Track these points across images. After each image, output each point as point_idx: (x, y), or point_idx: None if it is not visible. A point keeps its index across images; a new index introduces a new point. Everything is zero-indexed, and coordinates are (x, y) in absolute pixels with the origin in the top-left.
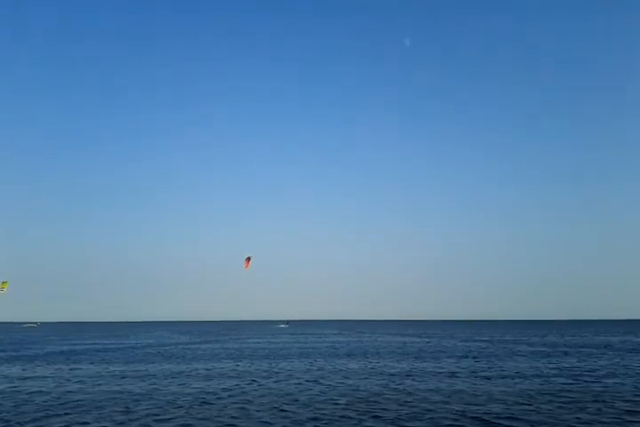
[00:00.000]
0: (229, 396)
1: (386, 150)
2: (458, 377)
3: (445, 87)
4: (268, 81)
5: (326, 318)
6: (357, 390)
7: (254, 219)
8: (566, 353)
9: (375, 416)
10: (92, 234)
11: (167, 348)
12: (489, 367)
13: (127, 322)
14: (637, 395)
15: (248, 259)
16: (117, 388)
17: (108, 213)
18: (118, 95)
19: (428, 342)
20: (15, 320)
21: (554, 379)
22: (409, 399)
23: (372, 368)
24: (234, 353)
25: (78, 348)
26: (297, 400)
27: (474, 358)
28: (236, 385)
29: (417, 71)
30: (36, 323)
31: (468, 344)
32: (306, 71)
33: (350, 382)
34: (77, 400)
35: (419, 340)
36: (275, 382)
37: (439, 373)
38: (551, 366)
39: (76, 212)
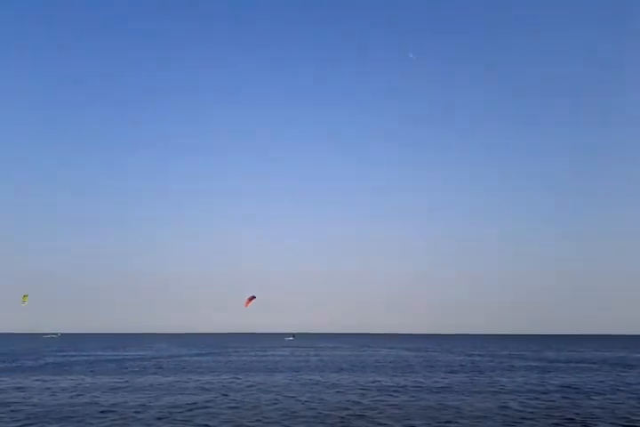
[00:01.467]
0: (191, 410)
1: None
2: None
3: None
4: (267, 89)
5: (336, 331)
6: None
7: (259, 225)
8: (557, 369)
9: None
10: (106, 243)
11: (158, 360)
12: (466, 382)
13: (144, 333)
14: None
15: (251, 298)
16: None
17: (117, 221)
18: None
19: (421, 356)
20: (37, 331)
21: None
22: (371, 413)
23: (352, 382)
24: (221, 366)
25: (71, 359)
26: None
27: (451, 372)
28: (208, 400)
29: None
30: (56, 334)
31: (461, 358)
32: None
33: (323, 396)
34: (35, 412)
35: (413, 354)
36: (244, 395)
37: (416, 387)
38: (534, 381)
39: (80, 218)
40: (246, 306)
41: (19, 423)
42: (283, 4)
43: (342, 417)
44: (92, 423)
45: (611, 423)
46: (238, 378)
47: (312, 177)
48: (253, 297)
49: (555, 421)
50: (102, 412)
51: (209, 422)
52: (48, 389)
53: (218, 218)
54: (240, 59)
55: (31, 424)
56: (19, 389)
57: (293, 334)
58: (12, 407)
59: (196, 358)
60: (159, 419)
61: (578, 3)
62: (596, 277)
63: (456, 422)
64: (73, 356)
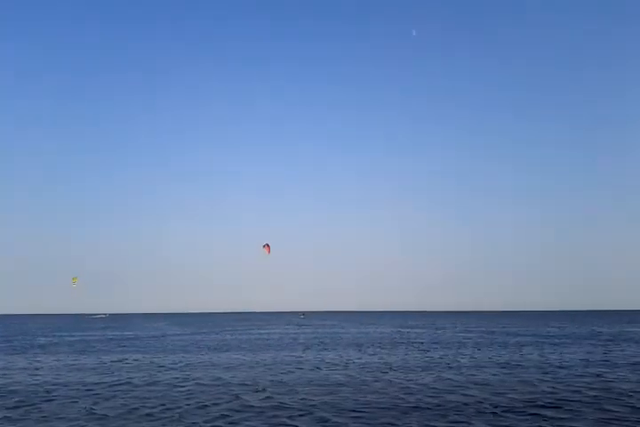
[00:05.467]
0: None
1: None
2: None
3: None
4: (266, 82)
5: (345, 309)
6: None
7: (267, 208)
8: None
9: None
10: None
11: (148, 340)
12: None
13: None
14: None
15: (266, 246)
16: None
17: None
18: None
19: (420, 333)
20: (87, 312)
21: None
22: (326, 390)
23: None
24: (209, 345)
25: (73, 339)
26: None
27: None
28: (177, 377)
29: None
30: (105, 314)
31: (460, 335)
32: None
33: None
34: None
35: (409, 331)
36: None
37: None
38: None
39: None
40: (268, 253)
41: None
42: None
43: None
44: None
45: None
46: (210, 355)
47: (321, 170)
48: (267, 245)
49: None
50: (48, 392)
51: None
52: (28, 368)
53: (222, 202)
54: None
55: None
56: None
57: (303, 313)
58: None
59: (192, 337)
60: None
61: None
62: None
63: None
64: (78, 335)
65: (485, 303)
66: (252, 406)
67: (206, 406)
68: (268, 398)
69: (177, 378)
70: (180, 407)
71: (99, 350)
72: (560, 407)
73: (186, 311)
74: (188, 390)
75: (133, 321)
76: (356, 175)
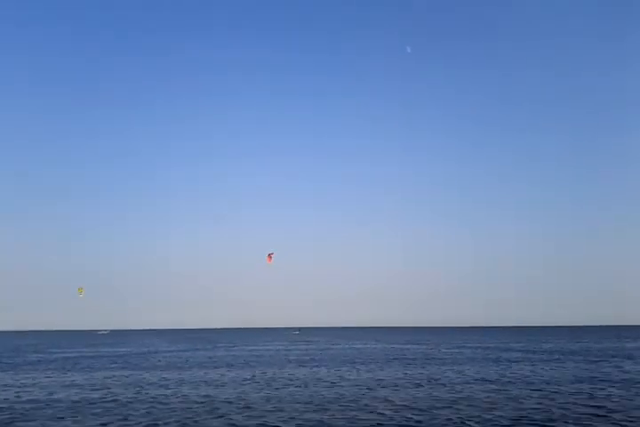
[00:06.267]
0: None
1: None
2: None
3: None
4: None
5: (342, 325)
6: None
7: (263, 220)
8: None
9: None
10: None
11: (138, 357)
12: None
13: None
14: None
15: (270, 255)
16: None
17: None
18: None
19: (410, 349)
20: (91, 328)
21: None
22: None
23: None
24: (200, 361)
25: (63, 356)
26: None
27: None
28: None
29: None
30: (106, 330)
31: (448, 351)
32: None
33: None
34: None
35: (405, 347)
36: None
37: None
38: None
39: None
40: (269, 262)
41: None
42: None
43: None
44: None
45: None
46: (196, 373)
47: (322, 181)
48: (271, 254)
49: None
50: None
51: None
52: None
53: (226, 218)
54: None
55: None
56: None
57: (299, 329)
58: None
59: (180, 353)
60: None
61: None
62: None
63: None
64: (65, 353)
65: (482, 319)
66: (235, 425)
67: (186, 424)
68: (252, 416)
69: (162, 395)
70: (161, 425)
71: (87, 366)
72: (547, 425)
73: (184, 327)
74: (171, 408)
75: (130, 337)
76: (356, 187)
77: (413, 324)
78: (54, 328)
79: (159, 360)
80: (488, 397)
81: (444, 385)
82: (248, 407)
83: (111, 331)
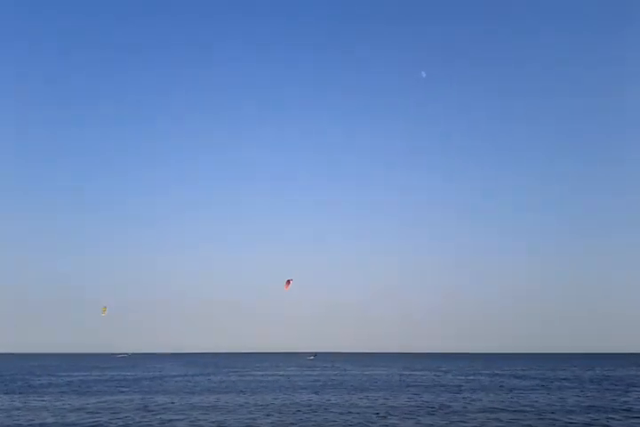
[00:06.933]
0: None
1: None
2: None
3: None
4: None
5: (360, 351)
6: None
7: (274, 243)
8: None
9: None
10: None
11: (146, 381)
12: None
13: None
14: None
15: (288, 282)
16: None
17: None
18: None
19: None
20: (111, 351)
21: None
22: None
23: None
24: (209, 386)
25: (70, 379)
26: None
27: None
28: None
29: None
30: (127, 354)
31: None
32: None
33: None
34: None
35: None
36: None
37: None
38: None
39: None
40: (287, 289)
41: None
42: None
43: None
44: None
45: None
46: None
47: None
48: (290, 281)
49: None
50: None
51: None
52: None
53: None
54: None
55: None
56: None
57: (315, 354)
58: None
59: (190, 378)
60: None
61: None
62: None
63: None
64: (70, 376)
65: (496, 346)
66: None
67: None
68: None
69: (169, 420)
70: None
71: (92, 391)
72: None
73: (200, 351)
74: None
75: (142, 361)
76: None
77: (424, 350)
78: (73, 351)
79: (172, 385)
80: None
81: (452, 413)
82: None
83: (132, 354)
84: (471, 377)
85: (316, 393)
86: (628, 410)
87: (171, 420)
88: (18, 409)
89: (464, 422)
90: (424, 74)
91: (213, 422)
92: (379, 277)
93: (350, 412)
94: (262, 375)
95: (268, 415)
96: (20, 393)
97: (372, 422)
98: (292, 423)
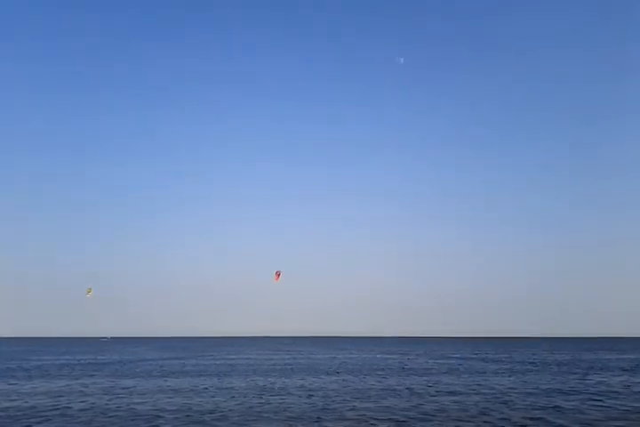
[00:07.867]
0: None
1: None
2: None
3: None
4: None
5: (344, 335)
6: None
7: (264, 231)
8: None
9: None
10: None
11: (119, 364)
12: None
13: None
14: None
15: (278, 273)
16: None
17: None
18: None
19: (384, 360)
20: (92, 335)
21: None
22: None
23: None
24: (178, 370)
25: (39, 364)
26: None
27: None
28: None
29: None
30: (107, 337)
31: (432, 362)
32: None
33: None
34: None
35: (385, 357)
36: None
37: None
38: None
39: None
40: (276, 280)
41: None
42: None
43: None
44: None
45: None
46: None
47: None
48: (279, 272)
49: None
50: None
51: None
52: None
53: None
54: None
55: None
56: None
57: (292, 338)
58: None
59: (154, 362)
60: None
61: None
62: None
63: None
64: (39, 360)
65: (474, 329)
66: None
67: None
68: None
69: (131, 403)
70: None
71: (60, 374)
72: None
73: (180, 335)
74: (137, 415)
75: (120, 346)
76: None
77: (408, 334)
78: (58, 335)
79: (144, 368)
80: (459, 409)
81: (419, 395)
82: (222, 417)
83: (111, 338)
84: (440, 360)
85: (285, 377)
86: (583, 392)
87: (133, 403)
88: None
89: (422, 404)
90: (402, 60)
91: (176, 405)
92: (368, 266)
93: (313, 395)
94: (235, 359)
95: (232, 398)
96: None
97: (335, 404)
98: (253, 406)
